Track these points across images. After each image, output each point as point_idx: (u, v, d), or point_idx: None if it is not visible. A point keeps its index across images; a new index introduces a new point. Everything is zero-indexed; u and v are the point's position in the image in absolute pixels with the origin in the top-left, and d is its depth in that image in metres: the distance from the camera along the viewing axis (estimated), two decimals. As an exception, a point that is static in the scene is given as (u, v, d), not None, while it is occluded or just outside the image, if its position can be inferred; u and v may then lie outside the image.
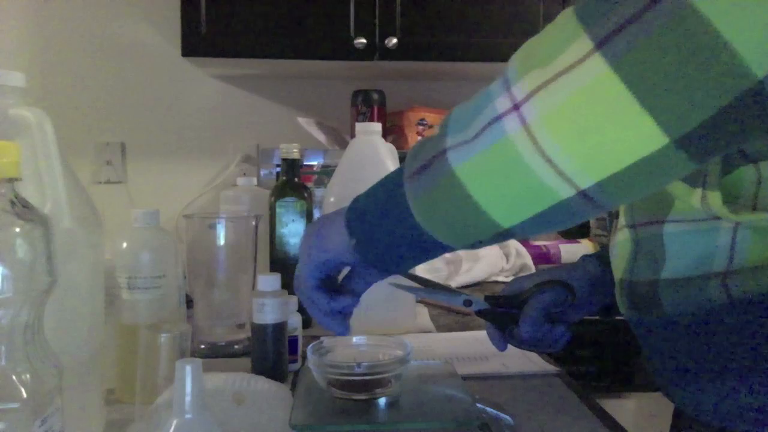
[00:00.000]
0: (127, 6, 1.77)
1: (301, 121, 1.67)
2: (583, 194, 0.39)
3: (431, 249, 0.51)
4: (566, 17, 0.38)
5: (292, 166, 1.13)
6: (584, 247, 1.58)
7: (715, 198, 0.51)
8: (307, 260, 0.58)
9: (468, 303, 0.74)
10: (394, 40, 1.51)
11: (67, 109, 1.75)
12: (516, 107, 0.38)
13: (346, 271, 0.62)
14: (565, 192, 0.39)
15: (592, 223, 1.65)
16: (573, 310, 0.75)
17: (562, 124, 0.37)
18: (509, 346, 0.76)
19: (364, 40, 1.50)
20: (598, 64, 0.35)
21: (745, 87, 0.33)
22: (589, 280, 0.75)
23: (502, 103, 0.39)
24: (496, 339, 0.75)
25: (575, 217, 0.42)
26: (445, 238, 0.47)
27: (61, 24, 1.76)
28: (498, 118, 0.39)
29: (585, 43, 0.36)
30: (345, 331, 0.63)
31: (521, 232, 0.44)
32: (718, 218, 0.51)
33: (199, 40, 1.49)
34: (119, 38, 1.78)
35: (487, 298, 0.74)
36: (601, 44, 0.35)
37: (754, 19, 0.32)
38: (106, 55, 1.78)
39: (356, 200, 0.55)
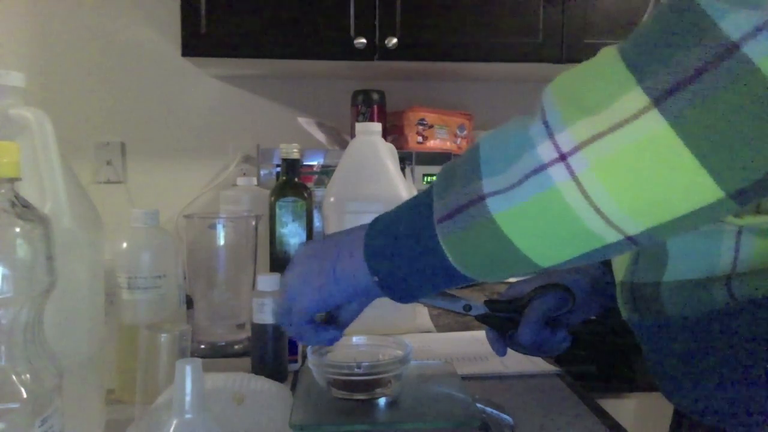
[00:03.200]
0: (127, 6, 1.77)
1: (301, 121, 1.67)
2: (630, 239, 0.39)
3: (459, 281, 0.50)
4: (612, 62, 0.37)
5: (292, 166, 1.13)
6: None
7: None
8: (315, 296, 0.55)
9: (468, 308, 0.74)
10: (394, 40, 1.51)
11: (67, 109, 1.75)
12: (563, 157, 0.38)
13: None
14: (612, 237, 0.39)
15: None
16: (573, 314, 0.74)
17: (615, 178, 0.37)
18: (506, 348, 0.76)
19: (364, 40, 1.50)
20: (655, 121, 0.35)
21: None
22: (590, 282, 0.75)
23: (546, 152, 0.39)
24: (496, 344, 0.75)
25: (614, 255, 0.43)
26: (479, 276, 0.47)
27: (61, 24, 1.76)
28: (542, 168, 0.39)
29: (640, 98, 0.35)
30: (331, 343, 0.61)
31: (557, 268, 0.44)
32: (721, 221, 0.51)
33: (199, 40, 1.49)
34: (119, 38, 1.78)
35: (486, 303, 0.74)
36: (658, 101, 0.35)
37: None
38: (105, 55, 1.78)
39: (374, 236, 0.52)
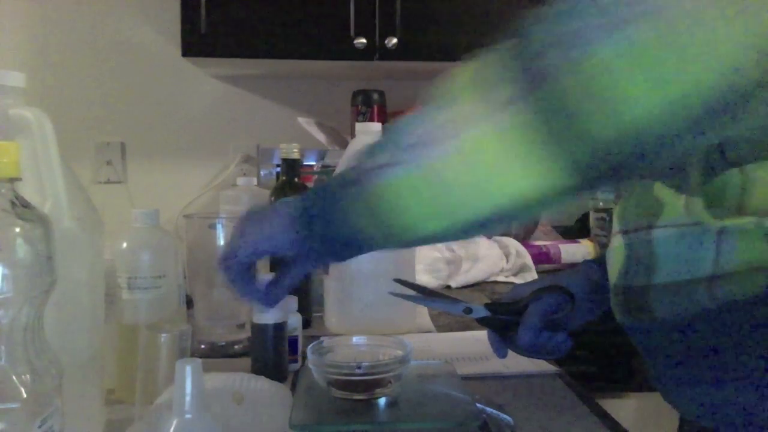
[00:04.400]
0: (127, 6, 1.77)
1: (301, 121, 1.67)
2: (487, 215, 0.46)
3: (358, 246, 0.54)
4: (488, 63, 0.45)
5: (292, 166, 1.13)
6: (584, 247, 1.58)
7: (696, 203, 0.51)
8: (248, 241, 0.58)
9: (468, 311, 0.74)
10: (394, 40, 1.51)
11: (67, 109, 1.75)
12: (437, 139, 0.45)
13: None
14: (472, 214, 0.46)
15: (592, 223, 1.65)
16: (573, 317, 0.74)
17: (480, 159, 0.44)
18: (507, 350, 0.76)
19: (364, 40, 1.50)
20: (514, 109, 0.42)
21: (626, 136, 0.40)
22: (590, 285, 0.75)
23: (426, 132, 0.46)
24: (497, 346, 0.75)
25: (479, 233, 0.50)
26: (369, 240, 0.52)
27: (61, 24, 1.76)
28: (420, 145, 0.46)
29: (503, 89, 0.43)
30: (271, 303, 0.62)
31: (436, 240, 0.51)
32: (702, 223, 0.52)
33: (199, 40, 1.49)
34: (119, 38, 1.78)
35: (487, 306, 0.74)
36: (517, 95, 0.42)
37: (643, 82, 0.38)
38: (106, 55, 1.78)
39: (304, 200, 0.56)
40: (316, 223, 0.54)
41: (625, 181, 0.47)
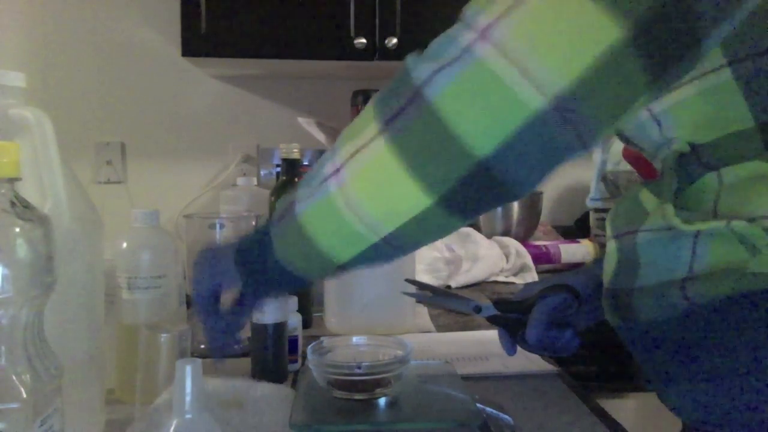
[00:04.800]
0: (127, 6, 1.77)
1: (301, 121, 1.67)
2: (385, 240, 0.50)
3: (291, 279, 0.58)
4: (368, 107, 0.51)
5: (292, 166, 1.13)
6: (584, 247, 1.58)
7: (667, 209, 0.51)
8: (195, 279, 0.64)
9: (478, 309, 0.75)
10: (394, 40, 1.51)
11: (67, 109, 1.75)
12: (336, 172, 0.51)
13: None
14: (373, 238, 0.51)
15: (592, 223, 1.65)
16: (581, 315, 0.75)
17: (362, 186, 0.49)
18: (516, 347, 0.76)
19: (364, 40, 1.50)
20: (380, 144, 0.48)
21: (470, 163, 0.44)
22: (596, 284, 0.75)
23: (329, 168, 0.51)
24: (507, 343, 0.76)
25: (387, 257, 0.53)
26: (298, 271, 0.57)
27: (61, 24, 1.76)
28: (326, 179, 0.51)
29: (374, 128, 0.48)
30: (223, 349, 0.66)
31: (354, 267, 0.55)
32: (676, 228, 0.52)
33: (199, 40, 1.49)
34: (119, 38, 1.78)
35: (496, 304, 0.75)
36: (381, 131, 0.48)
37: (475, 116, 0.43)
38: (106, 55, 1.78)
39: (243, 239, 0.62)
40: (248, 257, 0.59)
41: (506, 197, 0.48)
